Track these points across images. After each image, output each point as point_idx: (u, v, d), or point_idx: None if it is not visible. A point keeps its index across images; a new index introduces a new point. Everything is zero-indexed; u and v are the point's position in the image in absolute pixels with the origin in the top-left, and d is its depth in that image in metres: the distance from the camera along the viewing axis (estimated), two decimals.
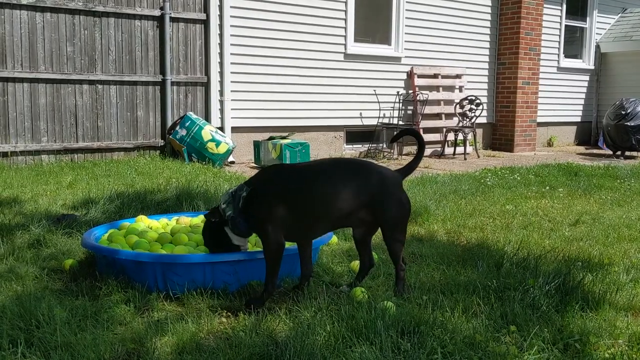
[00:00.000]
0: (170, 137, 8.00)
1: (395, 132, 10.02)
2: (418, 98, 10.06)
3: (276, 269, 2.90)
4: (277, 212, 2.85)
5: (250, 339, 2.45)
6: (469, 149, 10.43)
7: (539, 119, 11.83)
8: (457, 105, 10.52)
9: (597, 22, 13.11)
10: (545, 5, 11.55)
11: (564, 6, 12.37)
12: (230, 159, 8.39)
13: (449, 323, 2.59)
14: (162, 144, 8.21)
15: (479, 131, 11.29)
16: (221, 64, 8.43)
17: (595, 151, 11.91)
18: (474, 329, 2.54)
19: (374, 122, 9.92)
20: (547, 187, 6.55)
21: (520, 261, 3.52)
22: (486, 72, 11.41)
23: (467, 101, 10.41)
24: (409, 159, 9.99)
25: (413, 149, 10.39)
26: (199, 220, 3.95)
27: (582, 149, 12.44)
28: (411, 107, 10.29)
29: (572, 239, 4.31)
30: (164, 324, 2.62)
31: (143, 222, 3.83)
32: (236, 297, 2.98)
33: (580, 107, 13.17)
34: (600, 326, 2.64)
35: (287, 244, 3.39)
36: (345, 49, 9.54)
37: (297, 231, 2.97)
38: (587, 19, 13.02)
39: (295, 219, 2.88)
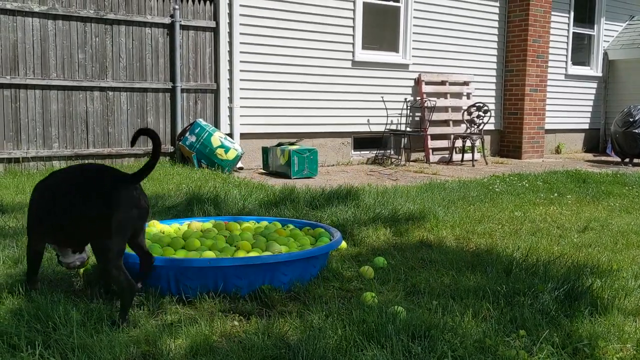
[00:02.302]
0: (180, 143, 8.07)
1: (403, 138, 10.12)
2: (426, 105, 10.09)
3: (29, 266, 3.01)
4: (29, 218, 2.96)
5: (263, 342, 2.48)
6: (477, 155, 10.45)
7: (547, 126, 11.84)
8: (465, 112, 10.54)
9: (605, 29, 13.13)
10: (552, 13, 11.58)
11: (572, 14, 12.39)
12: (239, 165, 8.44)
13: (459, 327, 2.61)
14: (171, 150, 8.27)
15: (487, 138, 11.31)
16: (230, 71, 8.50)
17: (603, 158, 11.90)
18: (483, 333, 2.57)
19: (381, 128, 9.96)
20: (556, 194, 6.56)
21: (530, 267, 3.54)
22: (494, 79, 11.44)
23: (475, 108, 10.44)
24: (417, 165, 10.02)
25: (421, 155, 10.42)
26: (210, 225, 4.00)
27: (590, 156, 12.43)
28: (419, 114, 10.33)
29: (581, 245, 4.32)
30: (177, 326, 2.66)
31: (155, 227, 3.88)
32: (247, 301, 3.01)
33: (588, 114, 13.17)
34: (609, 331, 2.66)
35: (293, 249, 3.44)
36: (353, 56, 9.60)
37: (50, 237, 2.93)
38: (595, 26, 13.04)
39: (41, 225, 2.89)
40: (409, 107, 10.24)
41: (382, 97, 9.93)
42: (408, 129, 10.21)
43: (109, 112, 7.83)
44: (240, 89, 8.59)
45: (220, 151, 7.86)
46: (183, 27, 8.20)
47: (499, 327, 2.65)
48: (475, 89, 11.01)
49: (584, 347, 2.49)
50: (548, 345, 2.48)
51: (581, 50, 13.10)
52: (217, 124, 8.51)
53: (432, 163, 10.18)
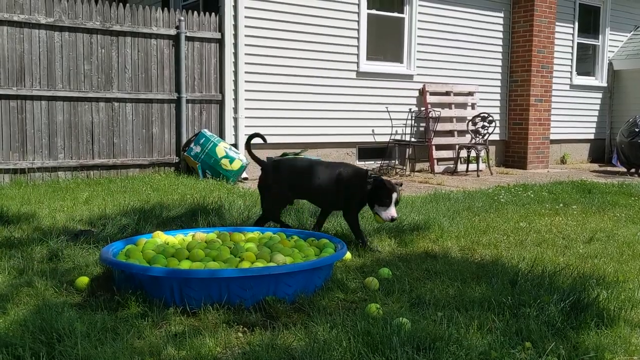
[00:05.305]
0: (185, 153, 8.09)
1: (407, 149, 10.11)
2: (430, 115, 10.10)
3: None
4: None
5: (267, 354, 2.47)
6: (482, 166, 10.43)
7: (552, 136, 11.82)
8: (470, 122, 10.54)
9: (610, 39, 13.12)
10: (557, 23, 11.60)
11: (576, 24, 12.40)
12: (244, 175, 8.45)
13: (464, 339, 2.60)
14: (176, 161, 8.29)
15: (492, 148, 11.29)
16: (235, 82, 8.53)
17: (609, 168, 11.86)
18: (489, 345, 2.55)
19: (386, 138, 9.96)
20: (561, 204, 6.54)
21: (535, 278, 3.52)
22: (498, 90, 11.43)
23: (480, 118, 10.43)
24: (422, 175, 10.00)
25: (426, 165, 10.41)
26: (214, 235, 4.00)
27: (595, 166, 12.39)
28: (423, 124, 10.33)
29: (587, 256, 4.30)
30: (181, 338, 2.65)
31: (160, 237, 3.88)
32: (251, 312, 3.01)
33: (594, 125, 13.15)
34: (616, 343, 2.64)
35: (298, 259, 3.43)
36: (358, 67, 9.62)
37: None
38: (600, 36, 13.04)
39: None
40: (413, 118, 10.25)
41: (386, 107, 9.94)
42: (413, 139, 10.21)
43: (115, 123, 7.86)
44: (245, 99, 8.61)
45: (225, 161, 7.87)
46: (188, 39, 8.24)
47: (505, 339, 2.63)
48: (480, 99, 11.01)
49: (590, 359, 2.47)
50: (554, 357, 2.47)
51: (586, 60, 13.09)
52: (222, 135, 8.53)
53: (436, 173, 10.17)
